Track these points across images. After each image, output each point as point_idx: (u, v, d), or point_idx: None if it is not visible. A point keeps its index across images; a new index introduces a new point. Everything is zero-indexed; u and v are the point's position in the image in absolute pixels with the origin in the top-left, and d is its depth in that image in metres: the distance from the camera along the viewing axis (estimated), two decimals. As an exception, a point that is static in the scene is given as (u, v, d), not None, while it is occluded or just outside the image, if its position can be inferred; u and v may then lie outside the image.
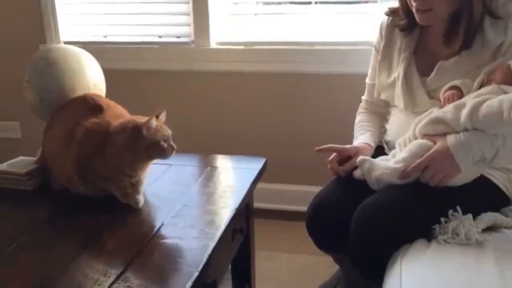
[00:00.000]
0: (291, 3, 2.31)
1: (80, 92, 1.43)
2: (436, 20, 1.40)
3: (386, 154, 1.46)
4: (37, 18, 2.48)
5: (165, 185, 1.43)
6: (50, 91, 1.41)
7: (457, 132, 1.27)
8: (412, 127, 1.37)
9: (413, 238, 1.24)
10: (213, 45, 2.35)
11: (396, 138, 1.44)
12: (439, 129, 1.30)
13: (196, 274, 0.98)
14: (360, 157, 1.39)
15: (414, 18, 1.42)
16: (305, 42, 2.27)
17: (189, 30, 2.38)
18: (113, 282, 0.97)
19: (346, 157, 1.47)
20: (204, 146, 2.35)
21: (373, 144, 1.53)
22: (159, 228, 1.18)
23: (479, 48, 1.36)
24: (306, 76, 2.29)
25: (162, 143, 1.23)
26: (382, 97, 1.57)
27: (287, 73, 2.31)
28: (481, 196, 1.31)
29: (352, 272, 1.35)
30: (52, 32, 2.49)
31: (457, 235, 1.20)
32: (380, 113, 1.64)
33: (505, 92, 1.24)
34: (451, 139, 1.26)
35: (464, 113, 1.24)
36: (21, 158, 1.51)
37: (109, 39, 2.51)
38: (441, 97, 1.37)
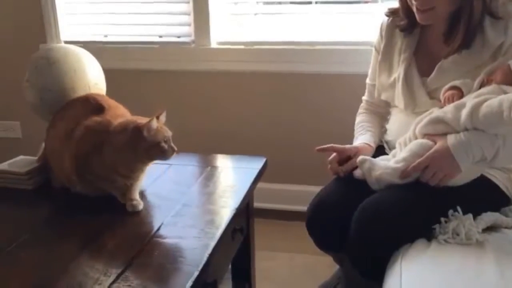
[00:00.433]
0: (291, 3, 2.31)
1: (80, 91, 1.43)
2: (436, 19, 1.40)
3: (387, 154, 1.47)
4: (37, 17, 2.48)
5: (165, 184, 1.43)
6: (50, 90, 1.41)
7: (458, 132, 1.27)
8: (413, 127, 1.37)
9: (414, 238, 1.24)
10: (213, 45, 2.35)
11: (396, 138, 1.44)
12: (439, 129, 1.30)
13: (196, 274, 0.99)
14: (360, 157, 1.39)
15: (414, 18, 1.42)
16: (305, 42, 2.27)
17: (189, 29, 2.38)
18: (113, 282, 0.97)
19: (346, 157, 1.47)
20: (204, 146, 2.35)
21: (373, 145, 1.53)
22: (159, 228, 1.18)
23: (479, 48, 1.36)
24: (306, 76, 2.29)
25: (163, 144, 1.23)
26: (383, 97, 1.57)
27: (287, 73, 2.31)
28: (481, 196, 1.31)
29: (352, 272, 1.35)
30: (52, 32, 2.49)
31: (458, 235, 1.20)
32: (381, 113, 1.64)
33: (505, 92, 1.24)
34: (451, 139, 1.26)
35: (464, 113, 1.24)
36: (21, 157, 1.51)
37: (109, 38, 2.51)
38: (442, 97, 1.37)
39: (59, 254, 1.09)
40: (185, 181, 1.45)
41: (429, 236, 1.24)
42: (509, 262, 1.10)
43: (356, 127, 1.63)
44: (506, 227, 1.28)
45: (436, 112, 1.33)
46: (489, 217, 1.27)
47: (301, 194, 2.12)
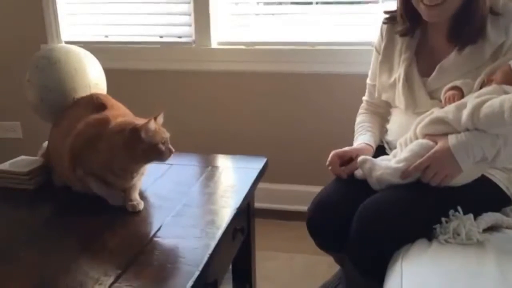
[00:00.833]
0: (292, 3, 2.32)
1: (81, 91, 1.43)
2: (444, 15, 1.37)
3: (387, 154, 1.47)
4: (38, 18, 2.48)
5: (166, 184, 1.43)
6: (51, 90, 1.41)
7: (458, 132, 1.27)
8: (413, 127, 1.36)
9: (414, 238, 1.24)
10: (214, 45, 2.36)
11: (397, 138, 1.44)
12: (440, 129, 1.30)
13: (197, 274, 0.99)
14: (361, 157, 1.39)
15: (415, 19, 1.42)
16: (306, 42, 2.27)
17: (190, 30, 2.38)
18: (114, 282, 0.97)
19: (348, 159, 1.47)
20: (205, 146, 2.35)
21: (373, 145, 1.53)
22: (160, 228, 1.18)
23: (480, 47, 1.36)
24: (306, 76, 2.29)
25: (160, 145, 1.23)
26: (383, 97, 1.57)
27: (288, 73, 2.31)
28: (482, 196, 1.30)
29: (353, 272, 1.34)
30: (53, 32, 2.49)
31: (458, 235, 1.20)
32: (381, 113, 1.64)
33: (506, 92, 1.24)
34: (452, 139, 1.26)
35: (465, 113, 1.24)
36: (22, 157, 1.51)
37: (110, 39, 2.52)
38: (442, 97, 1.37)
39: (60, 254, 1.09)
40: (186, 181, 1.45)
41: (429, 236, 1.24)
42: (510, 262, 1.10)
43: (356, 127, 1.63)
44: (507, 227, 1.28)
45: (437, 112, 1.33)
46: (489, 217, 1.27)
47: (302, 194, 2.13)
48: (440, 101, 1.37)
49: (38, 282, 0.99)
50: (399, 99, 1.48)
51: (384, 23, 1.56)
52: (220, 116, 2.43)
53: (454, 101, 1.31)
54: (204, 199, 1.35)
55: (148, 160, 1.28)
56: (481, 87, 1.32)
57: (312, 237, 1.45)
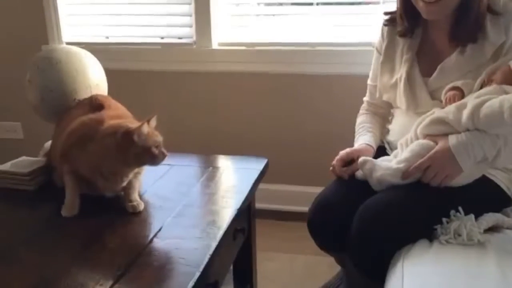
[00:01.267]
0: (292, 4, 2.31)
1: (82, 92, 1.43)
2: (443, 12, 1.37)
3: (388, 155, 1.46)
4: (39, 19, 2.48)
5: (166, 185, 1.43)
6: (52, 91, 1.41)
7: (459, 133, 1.27)
8: (414, 127, 1.36)
9: (415, 239, 1.23)
10: (214, 46, 2.36)
11: (398, 139, 1.44)
12: (440, 129, 1.30)
13: (197, 274, 0.99)
14: (362, 158, 1.38)
15: (415, 19, 1.42)
16: (307, 43, 2.27)
17: (191, 31, 2.39)
18: (115, 283, 0.97)
19: (349, 160, 1.47)
20: (206, 147, 2.35)
21: (374, 145, 1.53)
22: (160, 228, 1.18)
23: (481, 47, 1.36)
24: (307, 77, 2.29)
25: (153, 149, 1.21)
26: (384, 98, 1.57)
27: (288, 74, 2.31)
28: (482, 197, 1.30)
29: (354, 272, 1.34)
30: (54, 33, 2.50)
31: (459, 235, 1.20)
32: (381, 114, 1.64)
33: (506, 93, 1.24)
34: (452, 139, 1.26)
35: (466, 113, 1.24)
36: (23, 158, 1.51)
37: (111, 40, 2.52)
38: (443, 97, 1.37)
39: (61, 255, 1.09)
40: (187, 181, 1.45)
41: (430, 236, 1.24)
42: (510, 263, 1.10)
43: (357, 127, 1.63)
44: (507, 228, 1.28)
45: (437, 112, 1.33)
46: (490, 218, 1.27)
47: (303, 195, 2.13)
48: (441, 101, 1.37)
49: (38, 282, 0.99)
50: (401, 99, 1.48)
51: (384, 25, 1.56)
52: (220, 116, 2.43)
53: (454, 102, 1.31)
54: (204, 199, 1.35)
55: (141, 163, 1.26)
56: (481, 87, 1.32)
57: (313, 237, 1.45)
